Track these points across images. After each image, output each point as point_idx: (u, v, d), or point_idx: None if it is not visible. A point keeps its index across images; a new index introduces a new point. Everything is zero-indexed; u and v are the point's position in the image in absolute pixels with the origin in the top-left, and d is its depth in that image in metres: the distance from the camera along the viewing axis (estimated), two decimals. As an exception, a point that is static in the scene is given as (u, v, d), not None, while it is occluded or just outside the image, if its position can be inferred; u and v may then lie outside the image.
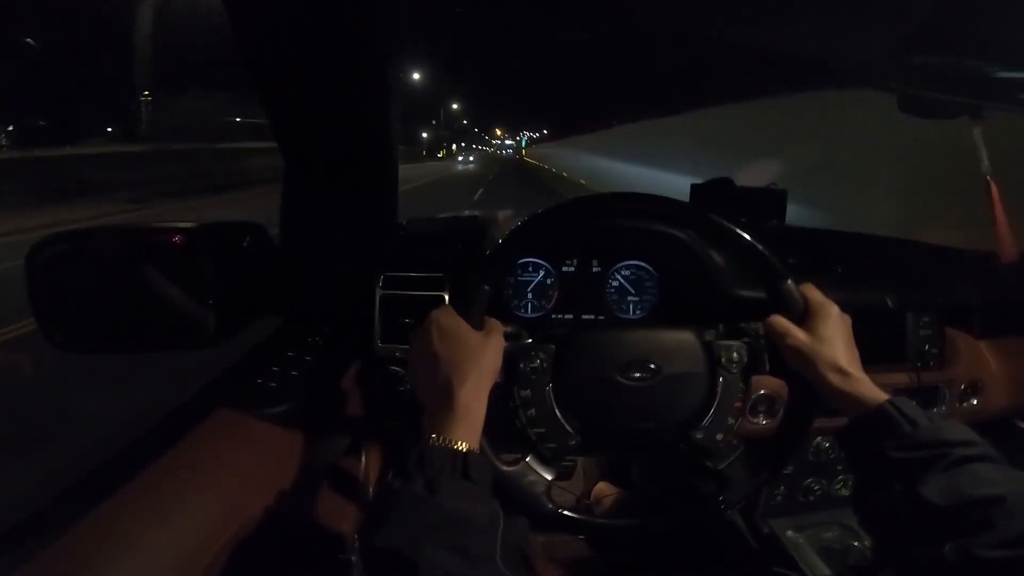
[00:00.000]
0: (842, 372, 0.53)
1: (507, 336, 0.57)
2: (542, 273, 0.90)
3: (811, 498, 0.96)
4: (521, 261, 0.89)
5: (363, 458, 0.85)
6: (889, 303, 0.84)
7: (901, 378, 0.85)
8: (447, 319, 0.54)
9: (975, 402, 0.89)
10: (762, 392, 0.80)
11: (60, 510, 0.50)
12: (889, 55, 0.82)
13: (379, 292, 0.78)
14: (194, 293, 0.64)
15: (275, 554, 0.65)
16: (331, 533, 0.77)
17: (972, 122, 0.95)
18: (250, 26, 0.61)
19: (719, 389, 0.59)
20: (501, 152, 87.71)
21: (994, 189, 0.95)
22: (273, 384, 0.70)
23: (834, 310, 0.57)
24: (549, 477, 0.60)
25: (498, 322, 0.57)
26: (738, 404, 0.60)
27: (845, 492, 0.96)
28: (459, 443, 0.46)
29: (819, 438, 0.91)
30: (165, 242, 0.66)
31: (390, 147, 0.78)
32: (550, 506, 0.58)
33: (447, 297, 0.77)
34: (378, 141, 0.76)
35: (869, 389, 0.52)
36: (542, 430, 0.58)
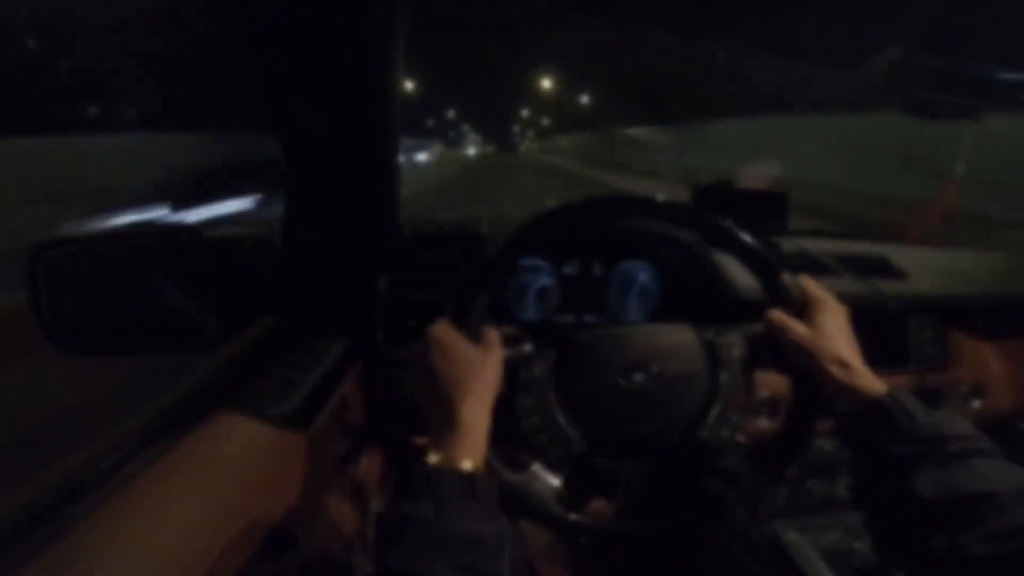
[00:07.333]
0: (843, 365, 0.53)
1: (507, 340, 0.57)
2: (543, 275, 0.90)
3: (813, 500, 0.96)
4: (522, 263, 0.89)
5: (363, 460, 0.85)
6: (891, 305, 0.84)
7: (903, 380, 0.84)
8: (444, 335, 0.53)
9: (977, 404, 0.89)
10: (764, 394, 0.80)
11: (60, 510, 0.50)
12: (890, 56, 0.82)
13: (383, 294, 0.78)
14: (195, 295, 0.64)
15: (275, 556, 0.65)
16: (331, 535, 0.77)
17: (970, 123, 0.95)
18: (250, 26, 0.61)
19: (721, 386, 0.59)
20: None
21: (952, 189, 0.96)
22: (274, 385, 0.70)
23: (831, 302, 0.57)
24: (556, 484, 0.59)
25: (496, 332, 0.56)
26: (742, 400, 0.59)
27: (847, 494, 0.96)
28: (465, 462, 0.46)
29: (820, 440, 0.91)
30: (166, 244, 0.67)
31: (392, 148, 0.78)
32: (559, 512, 0.57)
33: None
34: (380, 142, 0.76)
35: (871, 382, 0.52)
36: (546, 437, 0.58)
